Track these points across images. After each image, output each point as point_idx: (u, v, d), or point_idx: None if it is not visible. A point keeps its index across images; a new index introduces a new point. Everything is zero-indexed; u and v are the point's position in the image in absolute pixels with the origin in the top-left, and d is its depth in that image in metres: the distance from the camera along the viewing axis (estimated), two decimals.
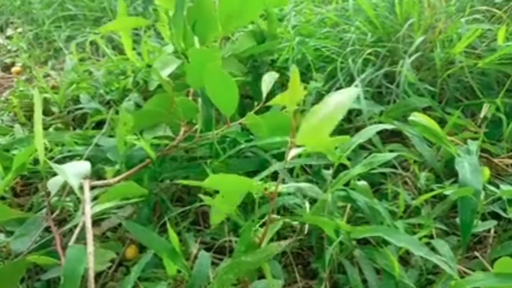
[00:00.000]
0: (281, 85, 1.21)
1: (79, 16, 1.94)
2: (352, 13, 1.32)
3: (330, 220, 0.77)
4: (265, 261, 0.70)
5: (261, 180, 0.89)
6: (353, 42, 1.25)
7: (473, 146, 0.96)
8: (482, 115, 1.08)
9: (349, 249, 0.81)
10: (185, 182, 0.75)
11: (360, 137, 0.95)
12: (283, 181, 0.96)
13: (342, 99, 0.60)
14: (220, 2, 1.17)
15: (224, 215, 0.82)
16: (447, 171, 1.00)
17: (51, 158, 1.09)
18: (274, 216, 0.77)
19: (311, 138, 0.61)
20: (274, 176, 0.94)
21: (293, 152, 0.65)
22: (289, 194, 0.90)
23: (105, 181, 0.88)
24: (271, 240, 0.77)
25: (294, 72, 0.65)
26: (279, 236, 0.94)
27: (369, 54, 1.22)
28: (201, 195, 0.79)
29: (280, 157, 0.98)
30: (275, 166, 0.92)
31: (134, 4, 1.81)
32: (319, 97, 1.19)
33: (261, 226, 0.78)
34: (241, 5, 1.17)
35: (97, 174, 1.06)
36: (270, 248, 0.69)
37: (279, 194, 0.90)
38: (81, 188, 0.81)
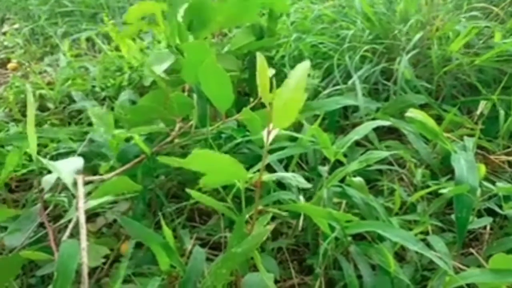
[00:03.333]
0: (280, 81, 1.20)
1: (75, 12, 1.93)
2: (349, 10, 1.32)
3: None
4: (255, 249, 0.69)
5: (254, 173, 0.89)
6: (350, 39, 1.24)
7: (470, 143, 0.96)
8: (478, 112, 1.08)
9: (344, 245, 0.81)
10: (165, 159, 0.74)
11: (356, 134, 0.95)
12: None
13: (298, 76, 0.64)
14: (218, 4, 1.17)
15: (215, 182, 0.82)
16: (443, 167, 1.00)
17: (46, 154, 1.09)
18: (262, 207, 0.76)
19: (283, 119, 0.65)
20: (270, 172, 0.94)
21: (272, 135, 0.67)
22: (284, 189, 0.90)
23: (99, 177, 0.87)
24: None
25: (260, 62, 0.66)
26: (275, 232, 0.94)
27: (366, 51, 1.22)
28: (189, 190, 0.78)
29: (277, 151, 0.98)
30: (267, 159, 0.91)
31: (131, 1, 1.81)
32: (316, 93, 1.18)
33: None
34: (239, 8, 1.17)
35: (92, 170, 1.05)
36: (259, 235, 0.69)
37: (274, 190, 0.90)
38: (75, 183, 0.81)
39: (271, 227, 0.66)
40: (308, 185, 0.77)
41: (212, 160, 0.68)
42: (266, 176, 0.73)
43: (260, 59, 0.68)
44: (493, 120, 1.07)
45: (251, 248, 0.65)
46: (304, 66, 0.64)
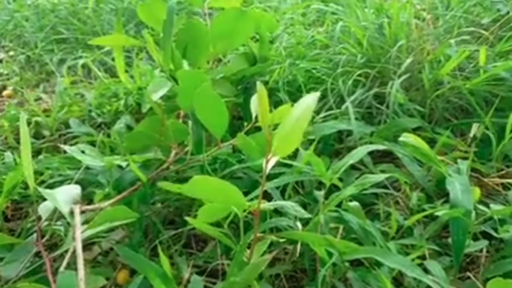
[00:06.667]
0: (274, 106, 1.22)
1: (71, 40, 1.95)
2: (342, 35, 1.34)
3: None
4: (254, 278, 0.69)
5: (251, 200, 0.89)
6: (343, 63, 1.26)
7: (463, 166, 0.97)
8: (471, 134, 1.09)
9: (342, 271, 0.81)
10: (164, 185, 0.75)
11: (351, 158, 0.96)
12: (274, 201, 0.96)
13: (305, 106, 0.65)
14: (211, 25, 1.19)
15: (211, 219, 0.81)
16: (438, 190, 1.01)
17: (42, 182, 1.09)
18: (260, 235, 0.76)
19: (284, 147, 0.66)
20: (267, 198, 0.94)
21: (271, 163, 0.67)
22: (280, 215, 0.90)
23: (95, 206, 0.87)
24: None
25: (260, 89, 0.67)
26: (272, 258, 0.94)
27: (359, 75, 1.23)
28: (188, 219, 0.78)
29: (272, 177, 0.98)
30: (265, 186, 0.92)
31: (127, 27, 1.83)
32: (311, 118, 1.19)
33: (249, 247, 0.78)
34: (232, 28, 1.19)
35: (88, 198, 1.05)
36: (258, 264, 0.69)
37: (270, 216, 0.90)
38: (71, 213, 0.81)
39: (270, 256, 0.66)
40: (306, 215, 0.77)
41: (212, 186, 0.68)
42: (265, 205, 0.73)
43: (260, 87, 0.69)
44: (486, 143, 1.08)
45: (250, 278, 0.65)
46: (312, 98, 0.65)
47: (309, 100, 0.66)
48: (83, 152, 0.99)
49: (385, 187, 1.03)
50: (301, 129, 0.64)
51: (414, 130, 1.13)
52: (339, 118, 1.16)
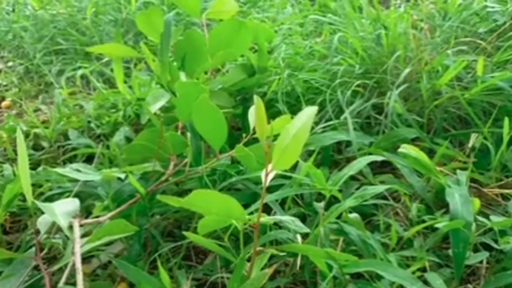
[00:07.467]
0: (272, 117, 1.22)
1: (70, 50, 1.95)
2: (340, 45, 1.34)
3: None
4: None
5: (251, 213, 0.89)
6: (341, 74, 1.26)
7: (463, 176, 0.97)
8: (470, 145, 1.09)
9: (342, 284, 0.81)
10: (164, 198, 0.75)
11: (351, 169, 0.96)
12: (274, 213, 0.95)
13: (304, 120, 0.64)
14: (210, 36, 1.19)
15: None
16: (438, 201, 1.01)
17: (41, 194, 1.08)
18: (260, 248, 0.76)
19: (283, 161, 0.65)
20: (266, 210, 0.94)
21: (270, 176, 0.67)
22: (280, 227, 0.90)
23: (94, 219, 0.87)
24: None
25: (257, 101, 0.67)
26: (273, 271, 0.94)
27: (357, 86, 1.24)
28: (186, 233, 0.78)
29: (272, 189, 0.98)
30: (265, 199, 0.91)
31: (125, 38, 1.83)
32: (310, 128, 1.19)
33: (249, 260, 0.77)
34: (230, 39, 1.19)
35: (87, 210, 1.05)
36: (259, 278, 0.68)
37: (270, 228, 0.89)
38: (70, 226, 0.80)
39: (271, 270, 0.66)
40: (306, 230, 0.77)
41: (212, 200, 0.68)
42: (265, 219, 0.73)
43: (257, 100, 0.69)
44: (485, 153, 1.08)
45: None
46: (311, 111, 0.64)
47: (308, 113, 0.65)
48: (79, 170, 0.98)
49: (384, 198, 1.03)
50: (300, 143, 0.64)
51: (413, 141, 1.14)
52: (338, 128, 1.17)
